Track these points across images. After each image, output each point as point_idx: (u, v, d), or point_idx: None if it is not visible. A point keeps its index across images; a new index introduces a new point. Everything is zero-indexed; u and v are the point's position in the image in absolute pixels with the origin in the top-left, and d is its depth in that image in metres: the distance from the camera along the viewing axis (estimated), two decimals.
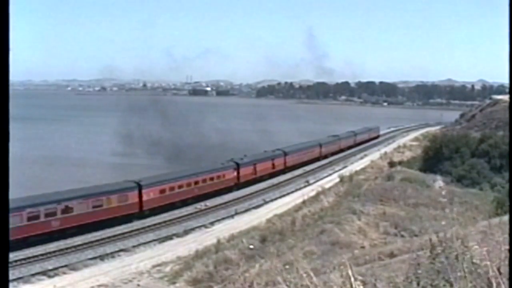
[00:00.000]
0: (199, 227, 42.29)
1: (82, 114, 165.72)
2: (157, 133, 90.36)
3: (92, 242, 36.94)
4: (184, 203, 48.77)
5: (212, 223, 43.42)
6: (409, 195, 42.91)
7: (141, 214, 43.80)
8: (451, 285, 5.99)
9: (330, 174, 66.34)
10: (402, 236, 31.92)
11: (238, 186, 56.84)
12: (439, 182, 51.63)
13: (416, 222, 34.22)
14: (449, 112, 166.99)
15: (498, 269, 5.66)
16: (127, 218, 42.49)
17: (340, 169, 69.25)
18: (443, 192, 38.45)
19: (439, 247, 6.65)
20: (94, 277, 30.20)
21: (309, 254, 25.57)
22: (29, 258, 32.87)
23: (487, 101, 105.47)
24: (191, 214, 46.17)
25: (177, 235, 39.65)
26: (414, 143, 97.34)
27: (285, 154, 68.47)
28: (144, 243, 37.59)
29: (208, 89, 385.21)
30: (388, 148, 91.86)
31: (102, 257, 34.40)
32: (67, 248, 35.36)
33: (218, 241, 35.04)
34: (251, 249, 31.51)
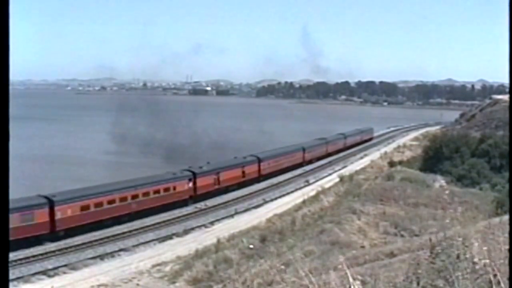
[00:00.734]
0: (199, 226, 42.31)
1: (80, 113, 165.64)
2: (150, 132, 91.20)
3: (92, 241, 36.94)
4: (118, 221, 41.49)
5: (212, 223, 43.43)
6: (409, 195, 42.87)
7: (54, 235, 37.26)
8: (451, 285, 5.98)
9: (330, 174, 66.33)
10: (402, 236, 31.90)
11: (195, 199, 49.73)
12: (440, 181, 51.60)
13: (416, 222, 34.19)
14: (449, 112, 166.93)
15: (498, 269, 5.66)
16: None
17: (340, 169, 69.26)
18: (447, 192, 38.37)
19: (439, 247, 6.65)
20: (94, 276, 30.20)
21: (309, 254, 25.55)
22: (29, 258, 32.88)
23: (487, 101, 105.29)
24: (191, 214, 46.16)
25: (177, 235, 39.66)
26: (414, 143, 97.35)
27: (260, 160, 61.71)
28: (144, 243, 37.60)
29: (208, 88, 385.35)
30: (388, 148, 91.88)
31: (102, 257, 34.41)
32: (67, 248, 35.36)
33: (218, 240, 35.05)
34: (251, 248, 31.52)
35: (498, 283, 5.55)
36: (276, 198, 52.58)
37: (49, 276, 30.67)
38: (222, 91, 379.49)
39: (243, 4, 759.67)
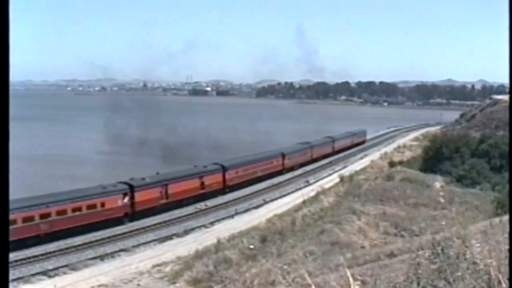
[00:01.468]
0: (199, 227, 42.30)
1: (80, 114, 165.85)
2: (146, 132, 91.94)
3: (92, 242, 36.93)
4: (22, 245, 33.80)
5: (212, 223, 43.42)
6: (409, 195, 42.88)
7: None
8: (452, 285, 5.98)
9: (330, 174, 66.32)
10: (402, 236, 31.93)
11: (134, 217, 42.81)
12: (439, 181, 51.61)
13: (416, 222, 34.22)
14: (449, 112, 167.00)
15: (498, 269, 5.66)
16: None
17: (340, 169, 69.25)
18: (441, 193, 38.37)
19: (439, 247, 6.64)
20: (94, 277, 30.20)
21: (309, 254, 25.56)
22: (29, 258, 32.87)
23: (487, 101, 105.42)
24: (191, 214, 46.16)
25: (177, 235, 39.65)
26: (414, 143, 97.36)
27: (225, 169, 54.75)
28: (144, 243, 37.59)
29: (208, 89, 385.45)
30: (388, 148, 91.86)
31: (102, 257, 34.40)
32: (67, 248, 35.35)
33: (218, 241, 35.05)
34: (251, 249, 31.53)
35: (498, 283, 5.55)
36: (276, 199, 52.57)
37: (49, 277, 30.66)
38: (222, 91, 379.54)
39: (239, 2, 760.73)
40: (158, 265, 32.01)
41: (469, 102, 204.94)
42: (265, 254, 28.08)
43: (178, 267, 31.14)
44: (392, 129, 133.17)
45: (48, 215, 36.60)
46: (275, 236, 34.55)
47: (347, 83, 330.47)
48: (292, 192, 55.77)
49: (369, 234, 33.18)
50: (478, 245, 6.53)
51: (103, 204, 40.43)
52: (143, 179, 45.53)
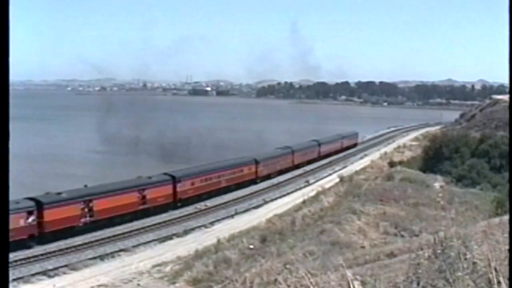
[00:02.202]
0: (199, 227, 42.31)
1: (81, 114, 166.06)
2: (136, 132, 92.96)
3: (92, 242, 36.93)
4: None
5: (212, 223, 43.44)
6: (409, 195, 42.92)
7: None
8: (451, 285, 5.98)
9: (330, 174, 66.33)
10: (402, 236, 31.93)
11: (41, 239, 36.27)
12: (439, 181, 51.64)
13: (416, 222, 34.24)
14: (449, 112, 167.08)
15: (498, 269, 5.66)
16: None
17: (340, 169, 69.25)
18: (440, 194, 38.31)
19: (439, 247, 6.65)
20: (94, 277, 30.21)
21: (309, 254, 25.55)
22: (29, 258, 32.87)
23: (487, 101, 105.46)
24: (191, 214, 46.16)
25: (177, 235, 39.66)
26: (414, 143, 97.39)
27: (176, 180, 47.82)
28: (144, 243, 37.60)
29: (208, 89, 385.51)
30: (388, 148, 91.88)
31: (102, 257, 34.41)
32: (67, 248, 35.36)
33: (218, 241, 35.07)
34: (251, 249, 31.53)
35: (498, 283, 5.55)
36: (276, 198, 52.59)
37: (49, 277, 30.67)
38: (222, 91, 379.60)
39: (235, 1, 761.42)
40: (158, 265, 32.03)
41: (469, 102, 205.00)
42: (265, 254, 28.08)
43: (178, 267, 31.16)
44: (392, 129, 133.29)
45: None
46: (275, 236, 34.55)
47: (347, 83, 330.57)
48: (292, 192, 55.78)
49: (369, 234, 33.19)
50: (478, 245, 6.53)
51: None
52: (59, 193, 39.08)
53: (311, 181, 61.25)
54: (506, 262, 5.43)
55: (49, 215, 36.87)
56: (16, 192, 38.25)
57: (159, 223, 42.52)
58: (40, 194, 38.89)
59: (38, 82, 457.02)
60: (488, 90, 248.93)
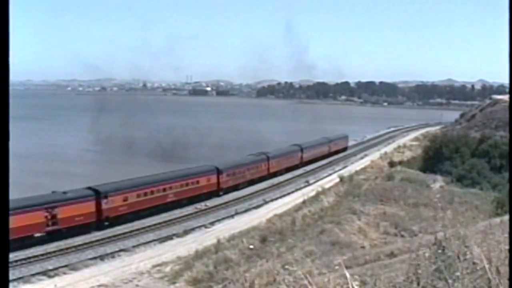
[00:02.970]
0: (199, 227, 42.30)
1: (80, 114, 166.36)
2: (129, 131, 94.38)
3: (92, 242, 36.93)
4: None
5: (212, 223, 43.43)
6: (409, 195, 42.93)
7: None
8: (451, 285, 5.98)
9: (330, 174, 66.29)
10: (402, 236, 31.96)
11: None
12: (439, 181, 51.65)
13: (416, 222, 34.25)
14: (449, 112, 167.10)
15: (498, 269, 5.66)
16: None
17: (340, 169, 69.22)
18: (437, 195, 38.24)
19: (439, 247, 6.65)
20: (94, 277, 30.20)
21: (309, 254, 25.55)
22: (29, 258, 32.86)
23: (487, 101, 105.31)
24: (191, 214, 46.14)
25: (177, 235, 39.65)
26: (414, 143, 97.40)
27: (101, 195, 40.70)
28: (144, 243, 37.59)
29: (208, 89, 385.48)
30: (388, 148, 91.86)
31: (102, 257, 34.41)
32: (67, 248, 35.35)
33: (218, 241, 35.04)
34: (251, 249, 31.50)
35: (498, 283, 5.55)
36: (276, 199, 52.57)
37: (49, 277, 30.67)
38: (222, 91, 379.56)
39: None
40: (158, 265, 32.02)
41: (469, 102, 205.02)
42: (265, 254, 28.08)
43: (178, 267, 31.14)
44: (392, 129, 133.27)
45: None
46: (275, 236, 34.54)
47: (347, 83, 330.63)
48: (292, 192, 55.76)
49: (369, 234, 33.20)
50: (477, 245, 6.53)
51: None
52: None
53: (311, 181, 61.22)
54: (506, 262, 5.43)
55: None
56: None
57: (159, 223, 42.50)
58: None
59: (38, 82, 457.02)
60: (488, 90, 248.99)
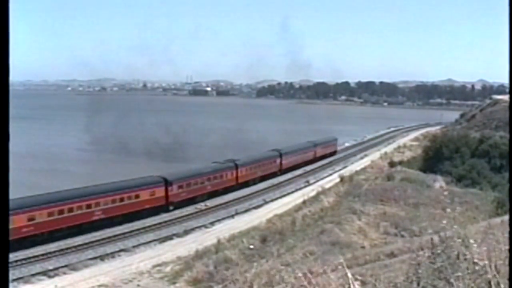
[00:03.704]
0: (199, 227, 42.31)
1: (79, 114, 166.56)
2: (124, 131, 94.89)
3: (92, 242, 36.94)
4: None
5: (212, 223, 43.44)
6: (409, 195, 42.91)
7: None
8: (451, 285, 5.98)
9: (330, 174, 66.30)
10: (402, 236, 31.94)
11: None
12: (440, 182, 51.62)
13: (416, 222, 34.22)
14: (449, 112, 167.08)
15: (498, 269, 5.66)
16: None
17: (340, 169, 69.21)
18: (445, 193, 38.35)
19: (440, 247, 6.64)
20: (94, 277, 30.20)
21: (309, 254, 25.56)
22: (29, 258, 32.88)
23: (487, 101, 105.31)
24: (191, 214, 46.16)
25: (177, 235, 39.66)
26: (414, 143, 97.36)
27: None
28: (144, 243, 37.61)
29: (208, 89, 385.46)
30: (388, 148, 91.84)
31: (102, 257, 34.42)
32: (67, 248, 35.37)
33: (218, 241, 35.04)
34: (251, 249, 31.51)
35: (498, 283, 5.55)
36: (276, 199, 52.58)
37: (50, 277, 30.68)
38: (222, 91, 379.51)
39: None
40: (158, 265, 32.02)
41: (469, 102, 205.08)
42: (265, 254, 28.08)
43: (178, 267, 31.15)
44: (392, 129, 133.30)
45: None
46: (275, 236, 34.54)
47: (347, 83, 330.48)
48: (292, 192, 55.77)
49: (369, 234, 33.18)
50: (477, 245, 6.52)
51: None
52: None
53: (311, 181, 61.23)
54: (506, 262, 5.43)
55: None
56: None
57: (159, 223, 42.53)
58: None
59: (38, 82, 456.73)
60: (488, 90, 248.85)
